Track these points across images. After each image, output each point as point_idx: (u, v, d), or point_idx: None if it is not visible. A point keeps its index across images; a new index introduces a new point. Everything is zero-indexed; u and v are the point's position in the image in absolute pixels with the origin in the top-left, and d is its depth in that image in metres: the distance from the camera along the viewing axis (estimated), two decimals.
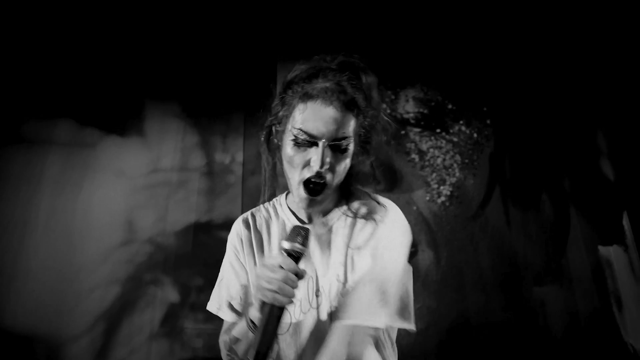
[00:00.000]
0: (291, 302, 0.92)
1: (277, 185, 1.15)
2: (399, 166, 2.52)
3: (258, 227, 1.16)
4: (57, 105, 2.50)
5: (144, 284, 2.33)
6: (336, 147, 1.01)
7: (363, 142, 1.08)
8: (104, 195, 2.43)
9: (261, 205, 1.20)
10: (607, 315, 2.44)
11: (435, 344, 2.34)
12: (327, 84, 1.03)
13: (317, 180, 1.01)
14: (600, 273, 2.47)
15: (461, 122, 2.65)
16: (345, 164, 1.04)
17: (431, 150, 2.62)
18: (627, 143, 2.59)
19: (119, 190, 2.44)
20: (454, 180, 2.58)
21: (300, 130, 1.01)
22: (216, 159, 2.57)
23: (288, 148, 1.03)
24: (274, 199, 1.21)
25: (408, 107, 2.66)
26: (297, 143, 1.02)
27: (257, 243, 1.14)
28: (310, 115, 1.01)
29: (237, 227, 1.17)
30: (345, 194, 1.14)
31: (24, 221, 2.33)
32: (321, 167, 1.00)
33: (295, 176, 1.03)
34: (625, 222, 2.51)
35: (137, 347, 2.25)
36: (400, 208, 1.15)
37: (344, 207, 1.13)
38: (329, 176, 1.02)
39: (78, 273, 2.31)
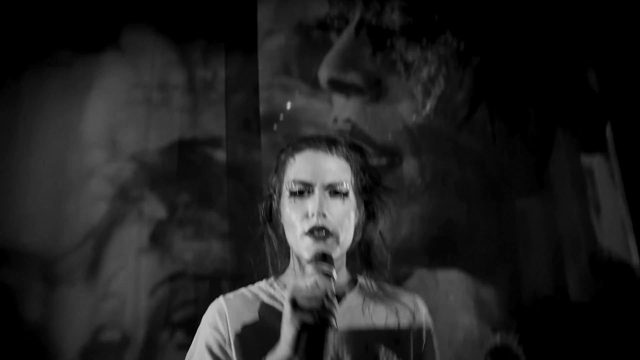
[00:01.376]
0: (336, 327, 0.84)
1: (282, 262, 1.08)
2: (384, 77, 2.49)
3: (246, 308, 1.03)
4: (31, 26, 2.40)
5: (130, 201, 2.34)
6: (334, 193, 0.98)
7: (366, 202, 1.04)
8: (84, 114, 2.38)
9: (244, 288, 1.08)
10: (586, 223, 2.52)
11: (420, 250, 2.42)
12: (316, 137, 1.05)
13: (319, 226, 0.95)
14: (580, 182, 2.52)
15: (447, 32, 2.59)
16: (348, 215, 0.99)
17: (417, 61, 2.57)
18: (612, 53, 2.57)
19: (99, 108, 2.40)
20: (439, 92, 2.55)
21: (294, 181, 0.99)
22: (197, 75, 2.51)
23: (286, 207, 1.00)
24: (258, 284, 1.09)
25: (394, 17, 2.58)
26: (293, 195, 0.99)
27: (249, 322, 1.00)
28: (302, 165, 1.00)
29: (217, 305, 1.03)
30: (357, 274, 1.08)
31: (2, 144, 2.29)
32: (319, 209, 0.95)
33: (296, 232, 0.97)
34: (609, 132, 2.54)
35: (127, 262, 2.29)
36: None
37: (363, 289, 1.06)
38: (332, 225, 0.96)
39: (63, 192, 2.30)
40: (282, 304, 0.96)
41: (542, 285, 2.56)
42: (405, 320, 1.05)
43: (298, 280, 0.90)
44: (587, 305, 2.56)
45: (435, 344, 1.08)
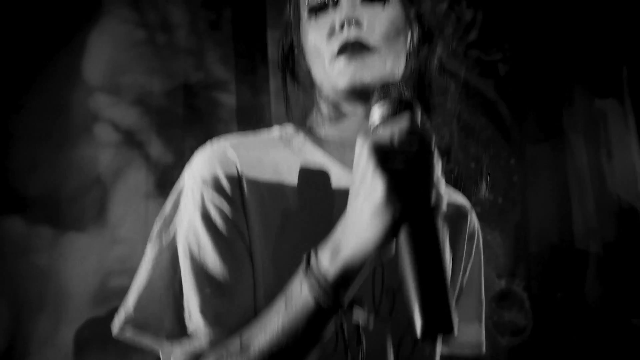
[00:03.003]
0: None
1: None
2: None
3: (265, 162, 0.71)
4: None
5: (135, 146, 2.30)
6: (368, 4, 0.72)
7: (419, 19, 0.78)
8: (86, 55, 2.32)
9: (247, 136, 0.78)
10: (595, 169, 2.51)
11: None
12: None
13: (352, 39, 0.69)
14: (593, 127, 2.49)
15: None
16: (394, 26, 0.72)
17: None
18: None
19: (102, 49, 2.33)
20: (450, 31, 2.48)
21: None
22: (201, 15, 2.43)
23: (308, 33, 0.75)
24: (271, 131, 0.81)
25: None
26: (313, 11, 0.74)
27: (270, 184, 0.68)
28: None
29: (218, 150, 0.72)
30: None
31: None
32: (349, 14, 0.69)
33: (323, 60, 0.72)
34: (625, 76, 2.48)
35: (134, 207, 2.28)
36: None
37: None
38: (372, 37, 0.70)
39: (66, 139, 2.26)
40: (311, 162, 0.70)
41: (549, 232, 2.57)
42: (459, 222, 0.82)
43: (377, 135, 0.52)
44: (593, 254, 2.58)
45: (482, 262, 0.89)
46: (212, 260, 0.64)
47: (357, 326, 0.60)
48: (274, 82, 2.33)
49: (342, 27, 0.70)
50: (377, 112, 0.55)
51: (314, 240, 0.57)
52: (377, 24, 0.71)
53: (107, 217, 2.25)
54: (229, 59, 2.41)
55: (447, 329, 0.46)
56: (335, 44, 0.70)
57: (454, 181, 0.91)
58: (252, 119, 2.45)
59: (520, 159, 2.54)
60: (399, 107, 0.54)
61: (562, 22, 2.55)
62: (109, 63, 2.32)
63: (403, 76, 0.75)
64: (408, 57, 0.75)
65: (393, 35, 0.72)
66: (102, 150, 2.27)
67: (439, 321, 0.47)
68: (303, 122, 0.83)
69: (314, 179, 0.70)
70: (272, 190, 0.67)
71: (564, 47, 2.53)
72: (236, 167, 0.68)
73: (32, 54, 2.26)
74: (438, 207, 0.49)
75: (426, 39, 0.78)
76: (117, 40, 2.33)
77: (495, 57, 2.48)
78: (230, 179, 0.67)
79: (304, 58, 0.78)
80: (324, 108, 0.77)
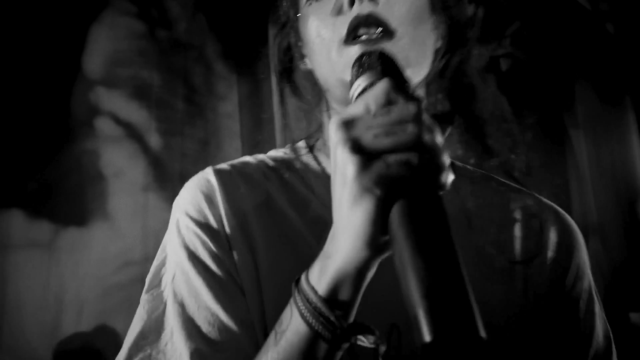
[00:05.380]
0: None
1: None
2: None
3: (251, 186, 0.63)
4: None
5: (136, 139, 2.30)
6: None
7: (446, 9, 0.62)
8: (87, 48, 2.31)
9: (248, 157, 0.69)
10: (596, 165, 2.53)
11: None
12: None
13: (364, 14, 0.55)
14: (594, 123, 2.50)
15: None
16: (418, 5, 0.58)
17: None
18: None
19: (102, 42, 2.32)
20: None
21: None
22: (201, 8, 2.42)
23: (307, 20, 0.62)
24: (276, 152, 0.70)
25: None
26: None
27: (256, 210, 0.60)
28: None
29: (201, 181, 0.63)
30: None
31: None
32: None
33: (329, 50, 0.57)
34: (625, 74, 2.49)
35: (134, 200, 2.28)
36: None
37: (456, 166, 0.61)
38: (391, 15, 0.55)
39: (68, 131, 2.26)
40: (308, 185, 0.61)
41: None
42: (532, 236, 0.62)
43: (347, 108, 0.43)
44: (592, 249, 2.59)
45: (595, 296, 0.65)
46: (204, 303, 0.55)
47: (376, 353, 0.44)
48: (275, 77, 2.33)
49: (351, 3, 0.56)
50: (356, 84, 0.46)
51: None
52: (396, 3, 0.56)
53: (107, 210, 2.25)
54: (230, 52, 2.40)
55: (469, 339, 0.32)
56: (344, 25, 0.56)
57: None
58: (255, 112, 2.45)
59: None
60: (378, 73, 0.45)
61: (564, 17, 2.55)
62: (108, 56, 2.32)
63: (429, 74, 0.60)
64: (436, 50, 0.60)
65: (417, 16, 0.56)
66: (102, 144, 2.27)
67: (456, 328, 0.32)
68: (306, 137, 0.71)
69: (310, 214, 0.60)
70: (255, 214, 0.59)
71: (566, 43, 2.53)
72: (217, 193, 0.60)
73: (32, 47, 2.25)
74: (437, 180, 0.38)
75: (458, 30, 0.63)
76: (118, 33, 2.33)
77: (496, 53, 2.48)
78: (210, 206, 0.59)
79: (304, 55, 0.65)
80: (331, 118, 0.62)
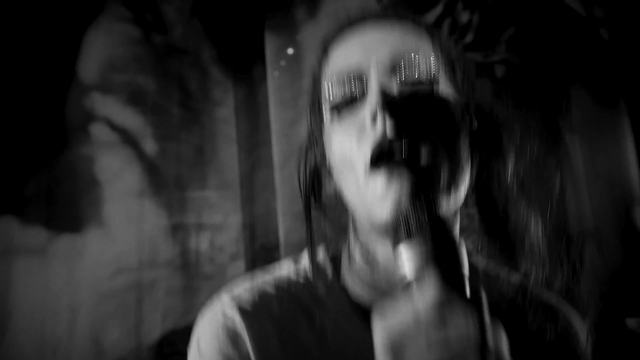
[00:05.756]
0: None
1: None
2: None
3: (275, 325, 0.58)
4: None
5: (131, 145, 2.30)
6: (408, 82, 0.52)
7: (480, 118, 0.57)
8: (81, 53, 2.30)
9: (264, 283, 0.62)
10: (592, 170, 2.53)
11: None
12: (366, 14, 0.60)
13: (393, 147, 0.49)
14: (589, 127, 2.51)
15: None
16: (445, 116, 0.53)
17: None
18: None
19: (97, 47, 2.32)
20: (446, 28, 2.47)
21: (332, 81, 0.56)
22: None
23: (332, 138, 0.57)
24: (295, 269, 0.63)
25: None
26: (336, 109, 0.56)
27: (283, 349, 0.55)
28: (341, 51, 0.59)
29: (226, 320, 0.59)
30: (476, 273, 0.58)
31: None
32: (381, 102, 0.49)
33: (356, 171, 0.53)
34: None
35: (129, 207, 2.28)
36: None
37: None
38: (407, 129, 0.50)
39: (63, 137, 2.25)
40: (338, 315, 0.55)
41: None
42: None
43: (390, 310, 0.40)
44: (588, 254, 2.60)
45: None
46: None
47: None
48: (271, 81, 2.32)
49: (374, 119, 0.50)
50: (405, 258, 0.40)
51: None
52: (423, 114, 0.50)
53: (102, 216, 2.24)
54: (226, 57, 2.40)
55: None
56: (368, 145, 0.51)
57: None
58: (251, 117, 2.44)
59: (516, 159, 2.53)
60: (428, 252, 0.39)
61: (558, 22, 2.56)
62: (103, 61, 2.31)
63: (467, 194, 0.55)
64: (471, 164, 0.54)
65: (446, 132, 0.51)
66: (97, 149, 2.26)
67: None
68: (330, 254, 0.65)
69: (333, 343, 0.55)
70: (279, 352, 0.55)
71: (561, 48, 2.54)
72: (243, 338, 0.56)
73: (27, 53, 2.24)
74: None
75: (492, 137, 0.57)
76: (113, 38, 2.32)
77: (492, 59, 2.49)
78: (237, 350, 0.55)
79: (331, 176, 0.59)
80: (356, 248, 0.57)
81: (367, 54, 0.53)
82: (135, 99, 2.32)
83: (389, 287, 0.51)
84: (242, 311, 0.57)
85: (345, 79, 0.53)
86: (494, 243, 0.56)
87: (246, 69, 2.45)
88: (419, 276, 0.39)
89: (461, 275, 0.40)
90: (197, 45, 2.42)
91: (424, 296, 0.37)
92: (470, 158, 0.55)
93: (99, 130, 2.29)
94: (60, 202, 2.23)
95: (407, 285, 0.40)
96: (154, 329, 2.27)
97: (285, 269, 0.62)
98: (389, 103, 0.49)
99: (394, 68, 0.52)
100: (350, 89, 0.53)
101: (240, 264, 2.35)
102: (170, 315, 2.30)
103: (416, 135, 0.49)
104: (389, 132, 0.49)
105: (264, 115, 2.36)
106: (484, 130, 0.56)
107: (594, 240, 2.59)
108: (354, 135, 0.53)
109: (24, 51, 2.23)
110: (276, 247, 0.70)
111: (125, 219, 2.27)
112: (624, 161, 2.60)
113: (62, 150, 2.25)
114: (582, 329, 0.65)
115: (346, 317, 0.55)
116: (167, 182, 2.33)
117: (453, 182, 0.51)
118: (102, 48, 2.33)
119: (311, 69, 0.63)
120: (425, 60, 0.52)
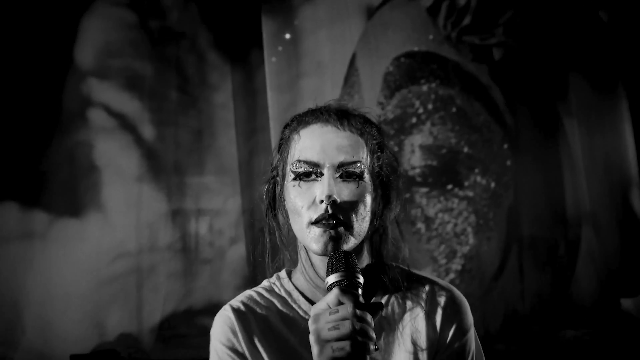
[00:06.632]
0: (376, 348, 0.71)
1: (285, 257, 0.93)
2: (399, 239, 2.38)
3: (257, 318, 0.88)
4: None
5: (129, 130, 2.31)
6: (347, 175, 0.83)
7: (383, 185, 0.88)
8: (78, 39, 2.30)
9: (251, 291, 0.92)
10: (589, 153, 2.54)
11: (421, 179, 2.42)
12: (324, 109, 0.88)
13: (329, 214, 0.80)
14: (587, 111, 2.51)
15: (476, 170, 2.44)
16: (363, 200, 0.83)
17: (440, 215, 2.40)
18: None
19: (93, 33, 2.31)
20: (466, 250, 2.41)
21: (298, 161, 0.84)
22: None
23: (290, 193, 0.85)
24: (268, 283, 0.93)
25: (414, 161, 2.40)
26: (299, 178, 0.83)
27: (262, 335, 0.86)
28: (307, 142, 0.85)
29: (225, 318, 0.87)
30: (381, 269, 0.89)
31: None
32: (329, 194, 0.80)
33: (302, 221, 0.82)
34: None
35: (128, 191, 2.29)
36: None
37: (390, 285, 0.88)
38: (344, 213, 0.81)
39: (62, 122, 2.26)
40: (294, 309, 0.87)
41: (542, 216, 2.60)
42: (446, 322, 0.87)
43: (317, 303, 0.73)
44: (585, 237, 2.62)
45: (475, 346, 0.91)
46: None
47: None
48: (269, 66, 2.31)
49: (321, 202, 0.80)
50: (327, 280, 0.75)
51: None
52: (350, 200, 0.82)
53: (100, 202, 2.26)
54: (223, 41, 2.39)
55: None
56: (314, 214, 0.81)
57: None
58: (248, 101, 2.45)
59: (513, 144, 2.56)
60: (337, 279, 0.74)
61: (557, 5, 2.54)
62: (100, 47, 2.30)
63: (366, 236, 0.87)
64: (372, 219, 0.87)
65: (363, 208, 0.84)
66: (95, 135, 2.27)
67: None
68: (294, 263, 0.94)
69: (293, 329, 0.87)
70: (265, 342, 0.85)
71: (559, 31, 2.53)
72: (237, 331, 0.85)
73: (24, 39, 2.24)
74: (364, 354, 0.68)
75: (387, 201, 0.89)
76: (109, 23, 2.31)
77: (489, 42, 2.48)
78: (235, 338, 0.85)
79: (284, 208, 0.89)
80: (304, 259, 0.88)
81: (324, 154, 0.83)
82: (132, 84, 2.31)
83: (319, 280, 0.85)
84: (237, 312, 0.87)
85: (307, 166, 0.83)
86: (376, 256, 0.90)
87: (243, 54, 2.44)
88: (334, 282, 0.73)
89: (354, 279, 0.74)
90: (193, 30, 2.41)
91: (330, 294, 0.71)
92: (371, 213, 0.86)
93: (96, 116, 2.30)
94: (59, 187, 2.24)
95: (327, 289, 0.73)
96: (155, 313, 2.30)
97: (265, 282, 0.93)
98: (331, 195, 0.80)
99: (339, 167, 0.83)
100: (309, 172, 0.83)
101: (239, 248, 2.38)
102: (170, 299, 2.33)
103: (343, 213, 0.81)
104: (329, 212, 0.80)
105: (261, 100, 2.36)
106: (383, 194, 0.88)
107: (591, 224, 2.61)
108: (306, 202, 0.82)
109: (21, 38, 2.22)
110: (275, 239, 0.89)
111: (124, 203, 2.29)
112: (622, 144, 2.61)
113: (61, 136, 2.26)
114: (451, 298, 0.91)
115: (299, 307, 0.89)
116: (165, 167, 2.34)
117: (361, 227, 0.83)
118: (98, 33, 2.31)
119: (280, 132, 0.92)
120: (360, 164, 0.83)
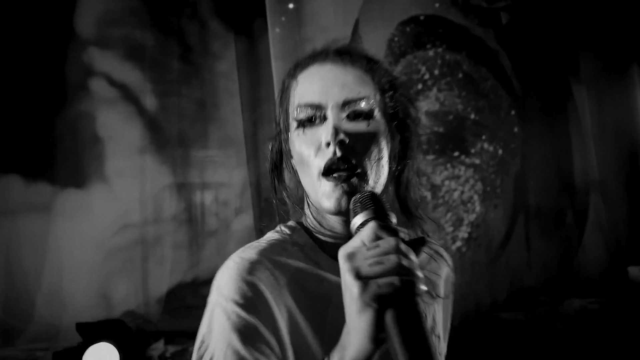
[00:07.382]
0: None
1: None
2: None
3: (280, 270, 0.75)
4: None
5: (131, 101, 2.28)
6: (355, 114, 0.73)
7: (399, 128, 0.78)
8: (78, 9, 2.26)
9: (263, 242, 0.78)
10: (598, 119, 2.50)
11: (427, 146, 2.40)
12: (323, 49, 0.79)
13: (339, 166, 0.70)
14: (596, 76, 2.46)
15: (483, 137, 2.37)
16: (377, 142, 0.74)
17: (446, 182, 2.34)
18: None
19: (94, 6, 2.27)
20: (472, 217, 2.36)
21: (299, 106, 0.75)
22: None
23: (295, 143, 0.76)
24: (279, 234, 0.81)
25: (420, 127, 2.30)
26: (302, 125, 0.74)
27: (289, 288, 0.74)
28: (306, 85, 0.76)
29: (241, 271, 0.73)
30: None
31: None
32: (335, 134, 0.70)
33: (312, 173, 0.73)
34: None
35: (131, 163, 2.28)
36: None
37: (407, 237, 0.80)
38: (356, 156, 0.72)
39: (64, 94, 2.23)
40: (312, 260, 0.76)
41: (550, 183, 2.58)
42: (443, 275, 0.84)
43: (348, 242, 0.62)
44: (593, 204, 2.60)
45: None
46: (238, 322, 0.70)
47: None
48: (272, 35, 2.27)
49: (328, 145, 0.72)
50: (354, 221, 0.65)
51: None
52: (360, 141, 0.73)
53: (104, 173, 2.25)
54: (226, 9, 2.35)
55: None
56: (322, 161, 0.72)
57: None
58: (252, 70, 2.41)
59: (521, 111, 2.51)
60: (370, 213, 0.64)
61: None
62: (100, 16, 2.26)
63: (385, 185, 0.78)
64: (390, 167, 0.77)
65: (377, 150, 0.75)
66: (97, 106, 2.25)
67: None
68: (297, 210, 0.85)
69: (314, 280, 0.76)
70: (296, 297, 0.74)
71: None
72: (261, 290, 0.72)
73: (23, 10, 2.20)
74: (413, 292, 0.58)
75: (405, 145, 0.80)
76: None
77: (497, 5, 2.42)
78: (260, 299, 0.72)
79: (292, 164, 0.80)
80: (312, 211, 0.79)
81: (326, 94, 0.74)
82: (134, 53, 2.28)
83: (333, 233, 0.76)
84: (253, 263, 0.73)
85: (310, 108, 0.74)
86: (403, 214, 0.80)
87: (246, 22, 2.39)
88: (362, 224, 0.63)
89: (387, 218, 0.63)
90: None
91: (366, 230, 0.61)
92: (389, 160, 0.77)
93: (98, 86, 2.27)
94: (63, 159, 2.23)
95: (356, 231, 0.63)
96: (161, 283, 2.31)
97: (271, 234, 0.81)
98: (338, 134, 0.71)
99: (344, 106, 0.73)
100: (311, 116, 0.74)
101: (244, 218, 2.37)
102: (176, 270, 2.33)
103: (354, 156, 0.72)
104: (337, 154, 0.71)
105: (265, 70, 2.32)
106: (402, 137, 0.79)
107: (598, 191, 2.59)
108: (312, 149, 0.73)
109: (21, 8, 2.18)
110: (283, 200, 0.79)
111: (128, 175, 2.28)
112: (633, 112, 2.56)
113: (64, 107, 2.24)
114: (448, 258, 0.87)
115: (314, 250, 0.78)
116: (169, 139, 2.32)
117: (377, 174, 0.74)
118: (97, 2, 2.28)
119: (282, 80, 0.81)
120: (367, 102, 0.74)
